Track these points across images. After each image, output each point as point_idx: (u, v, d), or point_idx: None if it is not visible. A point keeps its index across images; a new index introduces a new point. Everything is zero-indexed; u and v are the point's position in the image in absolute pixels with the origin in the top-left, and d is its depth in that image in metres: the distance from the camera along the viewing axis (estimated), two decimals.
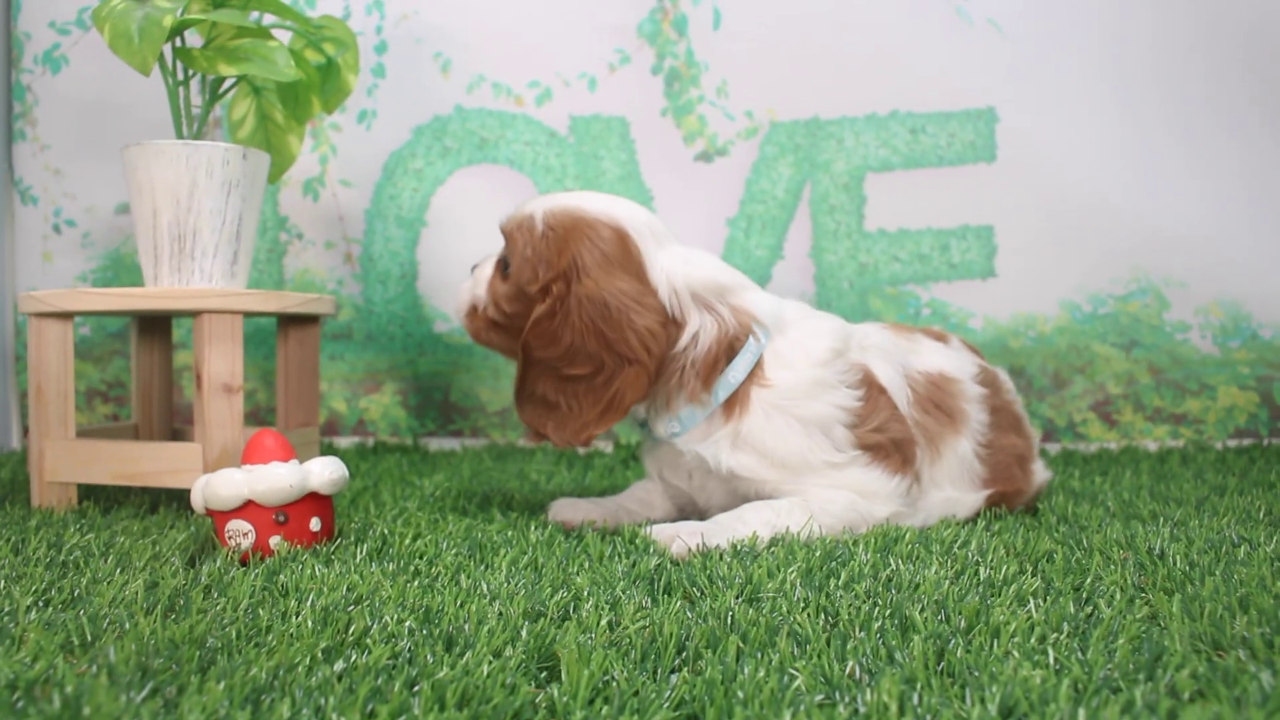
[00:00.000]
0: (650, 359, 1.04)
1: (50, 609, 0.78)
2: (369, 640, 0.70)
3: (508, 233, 1.13)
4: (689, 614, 0.76)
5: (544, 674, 0.66)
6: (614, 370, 1.04)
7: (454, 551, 0.97)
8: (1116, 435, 1.88)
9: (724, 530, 1.00)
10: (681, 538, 0.98)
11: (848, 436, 1.07)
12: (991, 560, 0.92)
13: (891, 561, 0.90)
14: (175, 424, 1.55)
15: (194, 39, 1.35)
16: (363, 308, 1.90)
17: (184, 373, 1.85)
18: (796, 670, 0.63)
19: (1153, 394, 1.87)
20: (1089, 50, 1.86)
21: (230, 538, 0.96)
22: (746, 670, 0.63)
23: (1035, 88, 1.86)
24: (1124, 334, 1.87)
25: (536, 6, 1.87)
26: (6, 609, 0.77)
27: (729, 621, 0.73)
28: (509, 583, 0.85)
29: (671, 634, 0.69)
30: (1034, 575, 0.87)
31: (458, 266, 1.24)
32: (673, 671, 0.66)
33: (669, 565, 0.91)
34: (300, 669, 0.63)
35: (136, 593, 0.81)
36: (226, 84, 1.34)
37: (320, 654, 0.67)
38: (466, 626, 0.72)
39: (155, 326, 1.50)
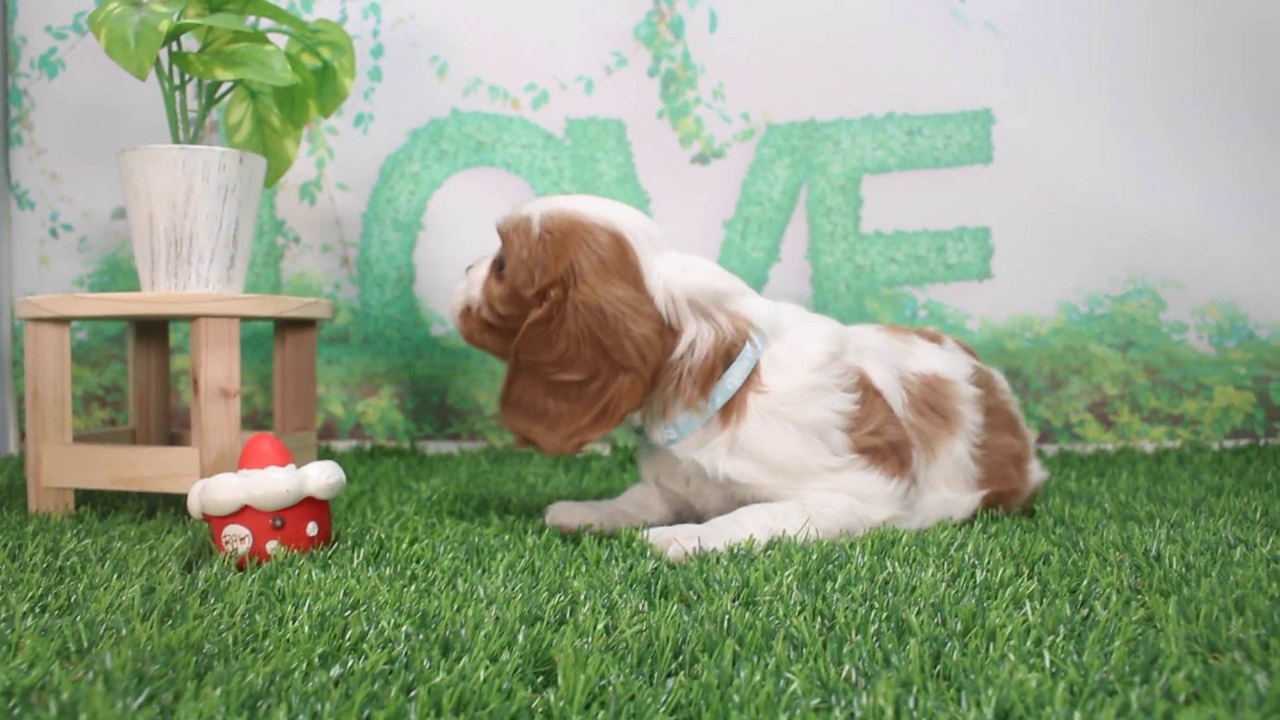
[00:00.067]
0: (645, 367, 1.04)
1: (47, 615, 0.78)
2: (365, 645, 0.70)
3: (504, 234, 1.12)
4: (685, 618, 0.76)
5: (540, 678, 0.66)
6: (608, 378, 1.04)
7: (451, 555, 0.98)
8: (1113, 436, 1.88)
9: (721, 534, 1.00)
10: (678, 541, 0.98)
11: (844, 440, 1.07)
12: (988, 563, 0.92)
13: (888, 564, 0.91)
14: (172, 428, 1.55)
15: (190, 43, 1.35)
16: (360, 311, 1.90)
17: (181, 377, 1.85)
18: (793, 674, 0.64)
19: (1149, 395, 1.87)
20: (1085, 52, 1.86)
21: (227, 543, 0.96)
22: (743, 674, 0.63)
23: (1032, 89, 1.86)
24: (1120, 335, 1.87)
25: (533, 10, 1.87)
26: (3, 615, 0.77)
27: (725, 625, 0.73)
28: (506, 587, 0.85)
29: (668, 638, 0.70)
30: (1030, 578, 0.87)
31: (454, 269, 1.24)
32: (669, 675, 0.66)
33: (666, 569, 0.91)
34: (297, 674, 0.63)
35: (133, 598, 0.81)
36: (223, 88, 1.34)
37: (317, 659, 0.67)
38: (463, 631, 0.72)
39: (152, 331, 1.50)
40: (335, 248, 1.89)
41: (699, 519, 1.13)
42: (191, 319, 1.22)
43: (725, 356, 1.06)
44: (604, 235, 1.07)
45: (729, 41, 1.87)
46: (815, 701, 0.60)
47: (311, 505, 0.99)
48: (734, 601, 0.80)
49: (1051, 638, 0.71)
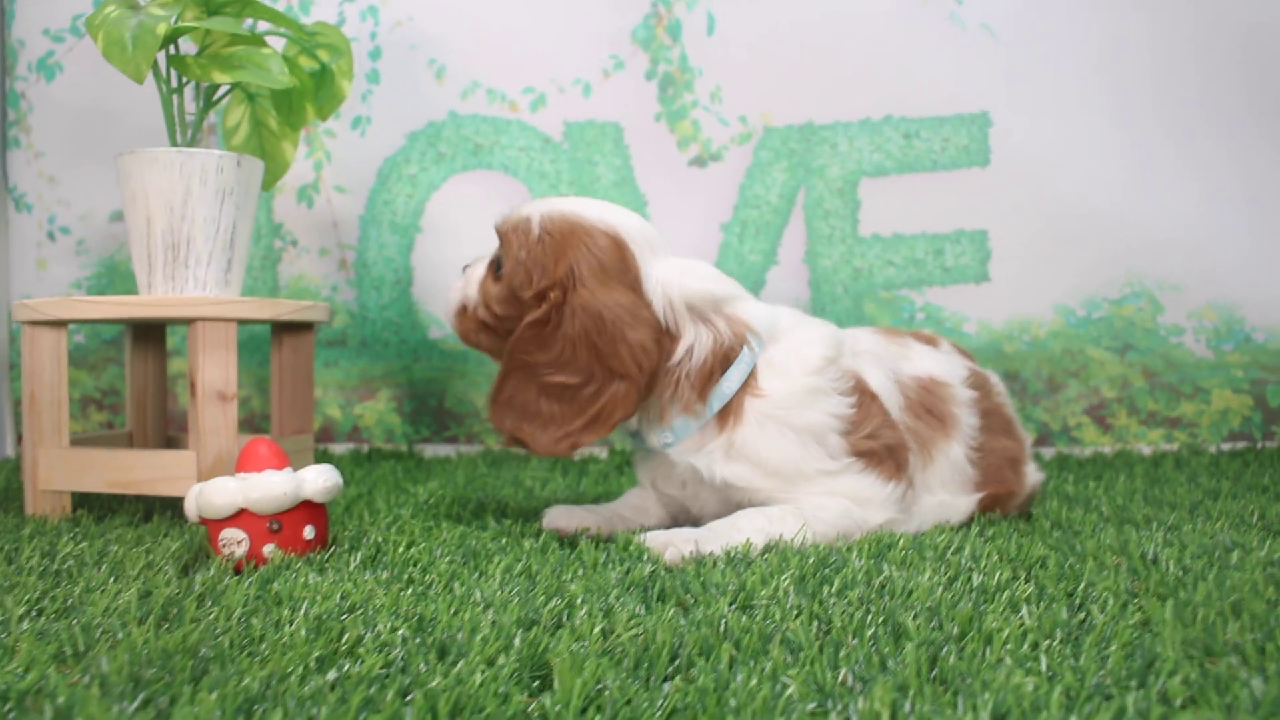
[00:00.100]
0: (641, 374, 1.04)
1: (43, 618, 0.78)
2: (362, 649, 0.70)
3: (503, 234, 1.12)
4: (682, 621, 0.76)
5: (537, 682, 0.66)
6: (603, 384, 1.04)
7: (448, 559, 0.97)
8: (1110, 439, 1.88)
9: (718, 537, 1.00)
10: (675, 545, 0.98)
11: (841, 444, 1.07)
12: (984, 566, 0.92)
13: (884, 568, 0.91)
14: (169, 432, 1.55)
15: (188, 46, 1.35)
16: (357, 314, 1.90)
17: (178, 380, 1.85)
18: (789, 678, 0.64)
19: (1147, 397, 1.87)
20: (1083, 54, 1.86)
21: (224, 546, 0.96)
22: (739, 678, 0.63)
23: (1029, 92, 1.86)
24: (1118, 338, 1.87)
25: (530, 13, 1.88)
26: None
27: (722, 629, 0.73)
28: (502, 590, 0.85)
29: (665, 641, 0.70)
30: (1027, 581, 0.87)
31: (452, 272, 1.24)
32: (666, 680, 0.66)
33: (663, 572, 0.91)
34: (293, 678, 0.63)
35: (130, 602, 0.81)
36: (220, 91, 1.34)
37: (313, 663, 0.67)
38: (460, 635, 0.72)
39: (149, 334, 1.50)
40: (333, 250, 1.89)
41: (695, 523, 1.12)
42: (189, 322, 1.22)
43: (723, 361, 1.06)
44: (604, 238, 1.07)
45: (726, 44, 1.87)
46: (812, 705, 0.60)
47: (308, 508, 0.99)
48: (730, 605, 0.80)
49: (1048, 641, 0.71)
